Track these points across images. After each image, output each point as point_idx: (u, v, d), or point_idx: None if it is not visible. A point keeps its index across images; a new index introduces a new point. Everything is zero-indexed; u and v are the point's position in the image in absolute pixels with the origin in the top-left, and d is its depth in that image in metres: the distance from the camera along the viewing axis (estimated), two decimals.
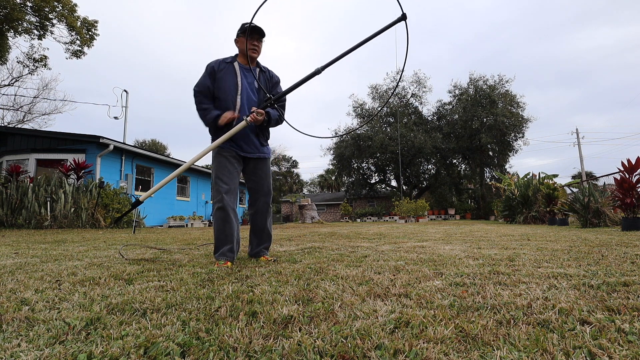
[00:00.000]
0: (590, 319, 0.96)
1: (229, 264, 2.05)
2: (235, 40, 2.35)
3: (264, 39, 2.33)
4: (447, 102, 25.55)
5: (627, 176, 5.13)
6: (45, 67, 15.98)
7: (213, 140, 2.31)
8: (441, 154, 24.01)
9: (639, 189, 5.08)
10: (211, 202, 2.21)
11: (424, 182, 26.43)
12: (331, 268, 1.91)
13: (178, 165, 13.73)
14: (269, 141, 2.47)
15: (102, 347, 0.82)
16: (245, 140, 2.30)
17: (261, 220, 2.41)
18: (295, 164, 46.36)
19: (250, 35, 2.24)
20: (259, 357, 0.78)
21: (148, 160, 12.19)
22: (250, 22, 2.20)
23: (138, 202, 2.25)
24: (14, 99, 21.82)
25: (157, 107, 75.21)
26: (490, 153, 23.47)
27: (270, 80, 2.40)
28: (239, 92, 2.25)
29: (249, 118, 2.15)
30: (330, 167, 32.14)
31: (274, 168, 43.50)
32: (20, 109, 22.39)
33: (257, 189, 2.40)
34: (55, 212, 7.64)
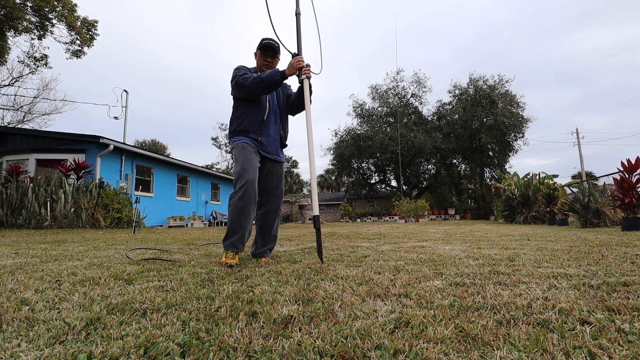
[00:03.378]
0: (590, 319, 0.96)
1: (237, 258, 2.09)
2: (254, 53, 2.50)
3: (279, 55, 2.46)
4: (447, 102, 25.58)
5: (627, 176, 5.13)
6: (46, 65, 15.97)
7: (234, 139, 2.36)
8: (441, 154, 24.01)
9: (638, 189, 5.07)
10: (233, 190, 2.23)
11: (424, 182, 26.44)
12: (331, 268, 1.91)
13: (178, 166, 13.74)
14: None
15: (102, 347, 0.82)
16: (269, 141, 2.39)
17: (271, 221, 2.44)
18: (295, 164, 46.36)
19: (265, 52, 2.41)
20: (259, 357, 0.78)
21: (148, 160, 12.19)
22: (268, 39, 2.40)
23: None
24: (14, 99, 21.84)
25: (157, 107, 75.16)
26: (490, 153, 23.47)
27: (283, 87, 2.61)
28: (267, 99, 2.40)
29: (306, 75, 2.29)
30: (330, 167, 32.15)
31: None
32: (20, 109, 22.39)
33: (271, 190, 2.45)
34: (55, 212, 7.64)
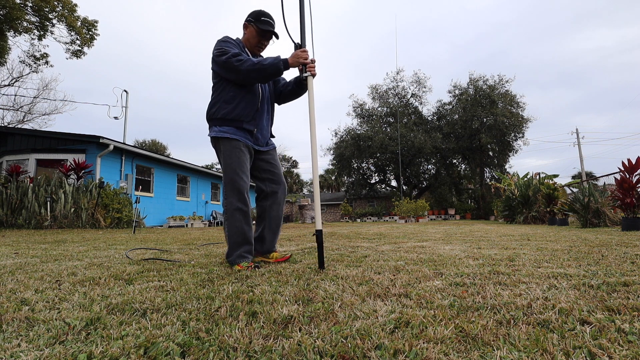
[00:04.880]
0: (590, 319, 0.96)
1: (252, 265, 1.95)
2: (244, 24, 2.19)
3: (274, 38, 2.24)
4: (447, 102, 25.60)
5: (627, 176, 5.13)
6: (47, 64, 15.95)
7: (223, 129, 2.08)
8: (441, 154, 24.02)
9: (639, 189, 5.07)
10: (226, 199, 2.06)
11: (424, 182, 26.45)
12: (331, 268, 1.91)
13: (178, 166, 13.74)
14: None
15: (102, 347, 0.82)
16: (263, 133, 2.21)
17: (278, 211, 2.24)
18: (295, 164, 46.42)
19: (264, 35, 2.16)
20: (259, 357, 0.78)
21: (148, 160, 12.19)
22: (269, 19, 2.13)
23: None
24: (14, 99, 21.85)
25: (157, 107, 75.41)
26: (490, 153, 23.49)
27: None
28: (259, 84, 2.18)
29: (311, 73, 2.05)
30: (330, 167, 32.16)
31: None
32: (20, 109, 22.39)
33: (274, 178, 2.25)
34: (55, 212, 7.63)
